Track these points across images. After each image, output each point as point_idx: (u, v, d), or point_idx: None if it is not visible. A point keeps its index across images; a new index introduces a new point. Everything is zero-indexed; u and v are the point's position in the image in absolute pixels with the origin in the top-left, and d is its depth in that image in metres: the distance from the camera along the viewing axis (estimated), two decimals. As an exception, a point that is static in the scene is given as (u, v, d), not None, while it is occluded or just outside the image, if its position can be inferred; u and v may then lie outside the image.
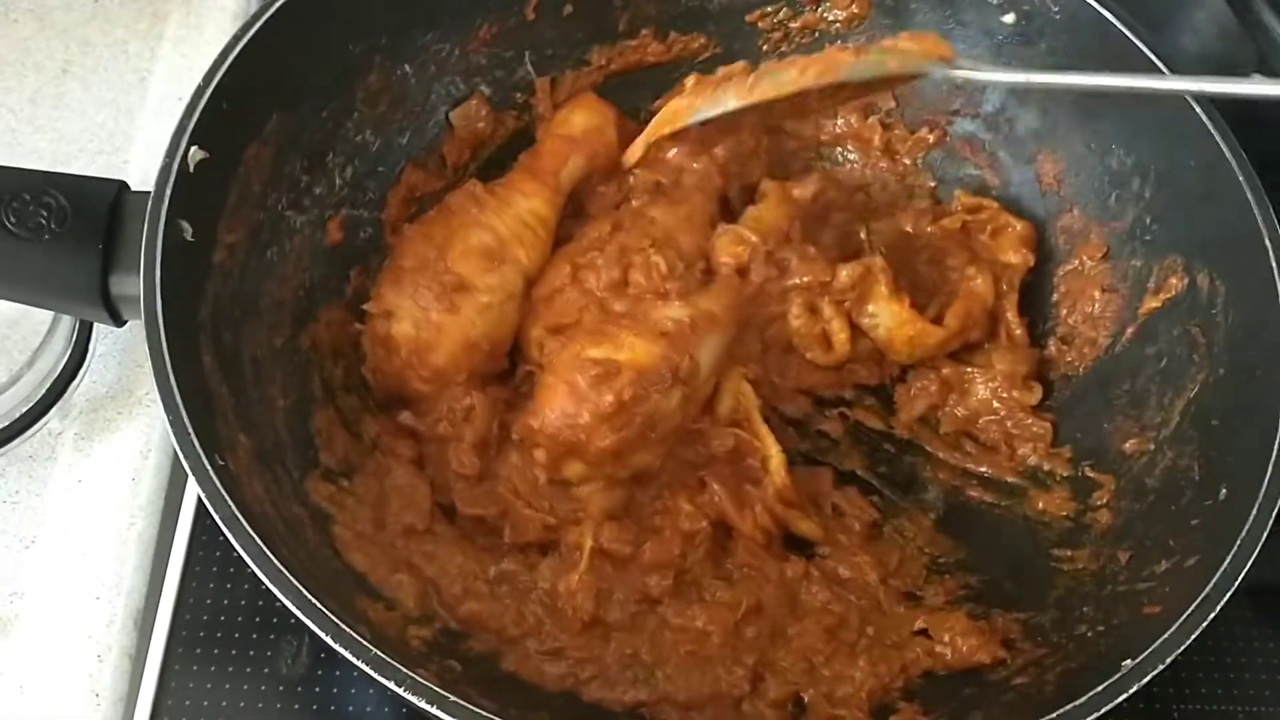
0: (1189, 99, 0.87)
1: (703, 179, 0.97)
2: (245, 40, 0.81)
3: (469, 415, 0.86)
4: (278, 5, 0.83)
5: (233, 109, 0.80)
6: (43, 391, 0.88)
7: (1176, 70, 0.88)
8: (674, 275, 0.88)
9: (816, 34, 1.02)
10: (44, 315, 0.88)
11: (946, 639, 0.81)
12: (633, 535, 0.84)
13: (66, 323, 0.89)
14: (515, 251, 0.90)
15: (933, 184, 1.03)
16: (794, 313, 0.92)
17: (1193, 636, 0.69)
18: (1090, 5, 0.91)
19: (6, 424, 0.87)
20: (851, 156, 1.05)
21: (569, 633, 0.80)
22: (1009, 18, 0.96)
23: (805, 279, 0.91)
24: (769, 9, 1.01)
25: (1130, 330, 0.91)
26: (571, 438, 0.81)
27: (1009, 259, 0.97)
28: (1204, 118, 0.86)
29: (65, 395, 0.89)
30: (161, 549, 0.89)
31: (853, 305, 0.92)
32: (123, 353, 0.95)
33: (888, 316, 0.92)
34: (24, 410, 0.88)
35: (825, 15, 1.01)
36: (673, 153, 0.96)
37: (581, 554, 0.82)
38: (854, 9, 1.00)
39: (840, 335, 0.92)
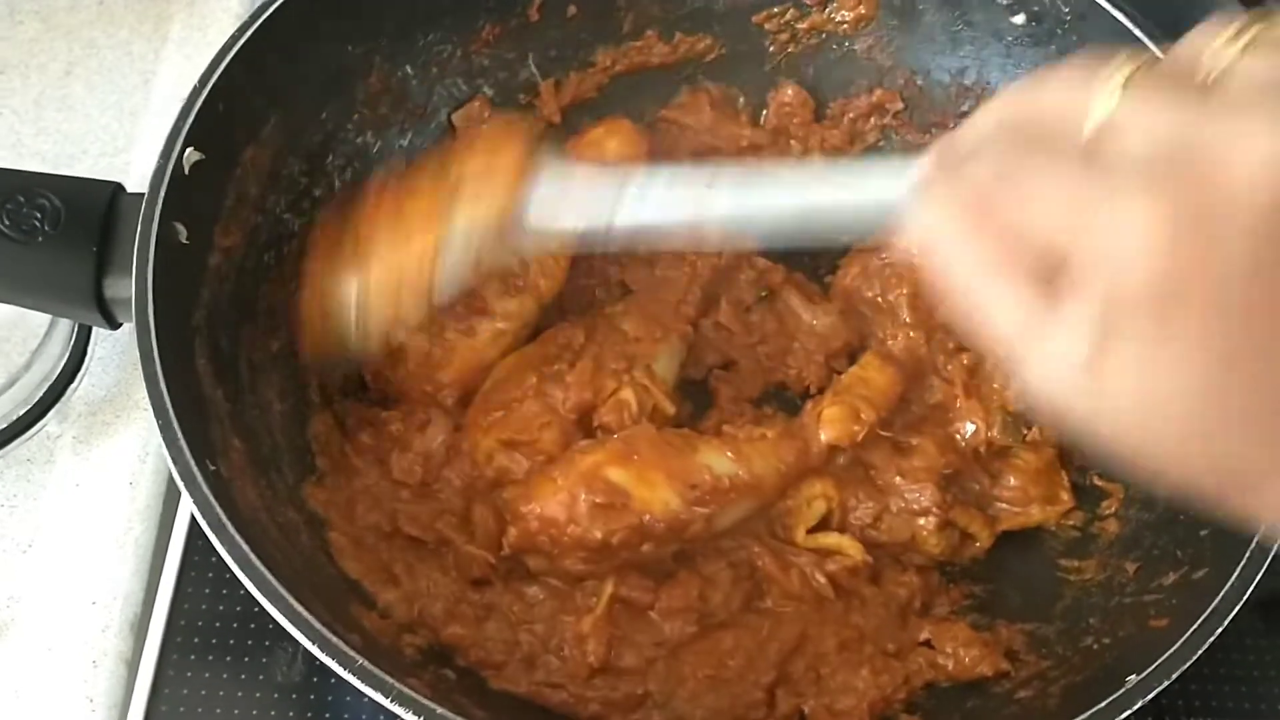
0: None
1: (684, 298, 0.92)
2: (243, 41, 0.81)
3: (424, 428, 0.85)
4: (276, 5, 0.83)
5: (230, 110, 0.79)
6: (40, 394, 0.88)
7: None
8: (644, 412, 0.84)
9: (824, 35, 1.00)
10: (42, 318, 0.88)
11: (949, 650, 0.80)
12: (654, 581, 0.81)
13: (64, 325, 0.88)
14: (536, 280, 0.88)
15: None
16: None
17: (1199, 651, 0.67)
18: (1101, 6, 0.89)
19: (3, 427, 0.87)
20: (857, 158, 1.03)
21: (574, 679, 0.77)
22: (1019, 18, 0.94)
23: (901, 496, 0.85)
24: (776, 10, 1.00)
25: (1139, 336, 0.90)
26: (545, 545, 0.78)
27: None
28: (1216, 120, 0.84)
29: (63, 398, 0.89)
30: (158, 554, 0.89)
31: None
32: (121, 356, 0.94)
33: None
34: (21, 413, 0.87)
35: (833, 16, 1.00)
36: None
37: (599, 599, 0.79)
38: (861, 10, 0.99)
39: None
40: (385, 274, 0.77)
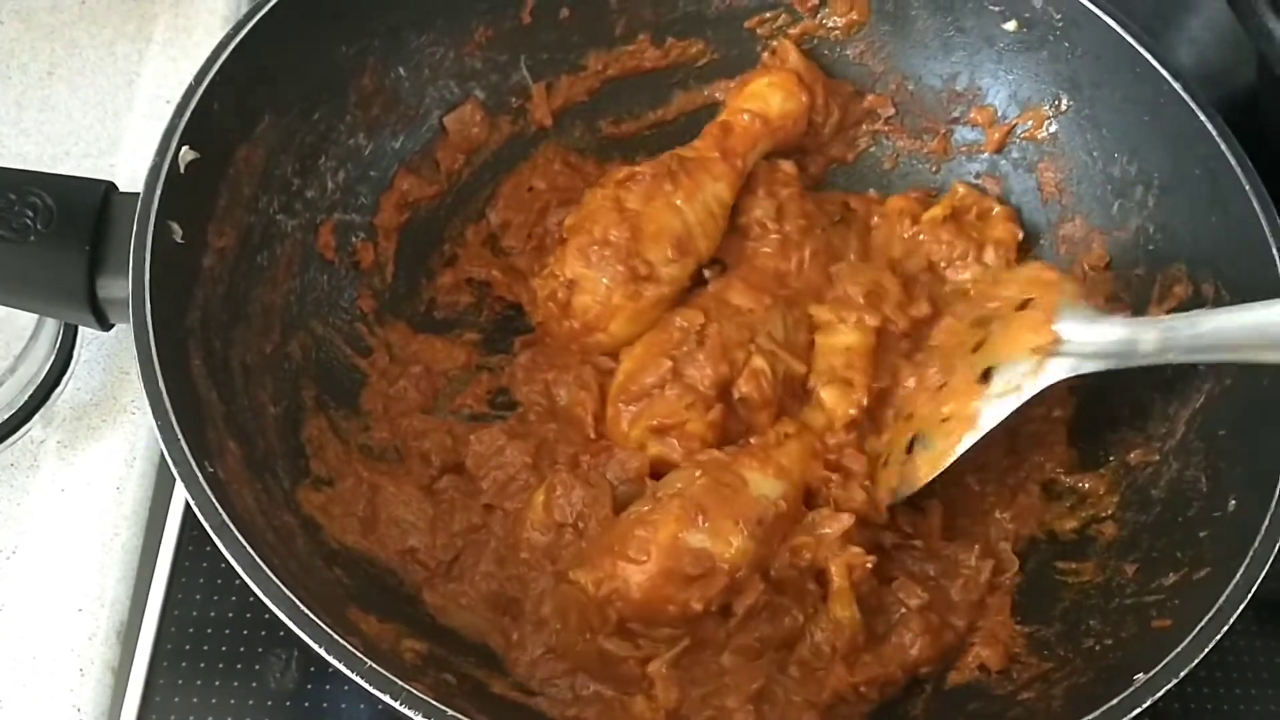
0: (1192, 105, 0.86)
1: (780, 264, 0.93)
2: (238, 39, 0.80)
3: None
4: (271, 4, 0.82)
5: (224, 109, 0.79)
6: (25, 398, 0.86)
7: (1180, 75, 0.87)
8: (778, 378, 0.86)
9: (816, 40, 1.01)
10: (27, 320, 0.86)
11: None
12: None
13: (51, 327, 0.87)
14: (698, 243, 0.91)
15: (934, 192, 1.01)
16: None
17: (1206, 650, 0.68)
18: (1092, 11, 0.90)
19: (-13, 431, 0.85)
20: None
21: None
22: (1010, 25, 0.95)
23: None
24: (768, 15, 1.00)
25: (1134, 340, 0.90)
26: (657, 612, 0.77)
27: (998, 235, 0.97)
28: (1208, 125, 0.85)
29: (49, 402, 0.87)
30: (146, 560, 0.87)
31: None
32: (108, 358, 0.93)
33: None
34: (6, 417, 0.86)
35: (824, 22, 1.00)
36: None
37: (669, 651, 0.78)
38: (853, 15, 0.99)
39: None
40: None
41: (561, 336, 0.90)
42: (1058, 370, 0.80)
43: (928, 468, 0.83)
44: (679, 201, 0.90)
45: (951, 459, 0.82)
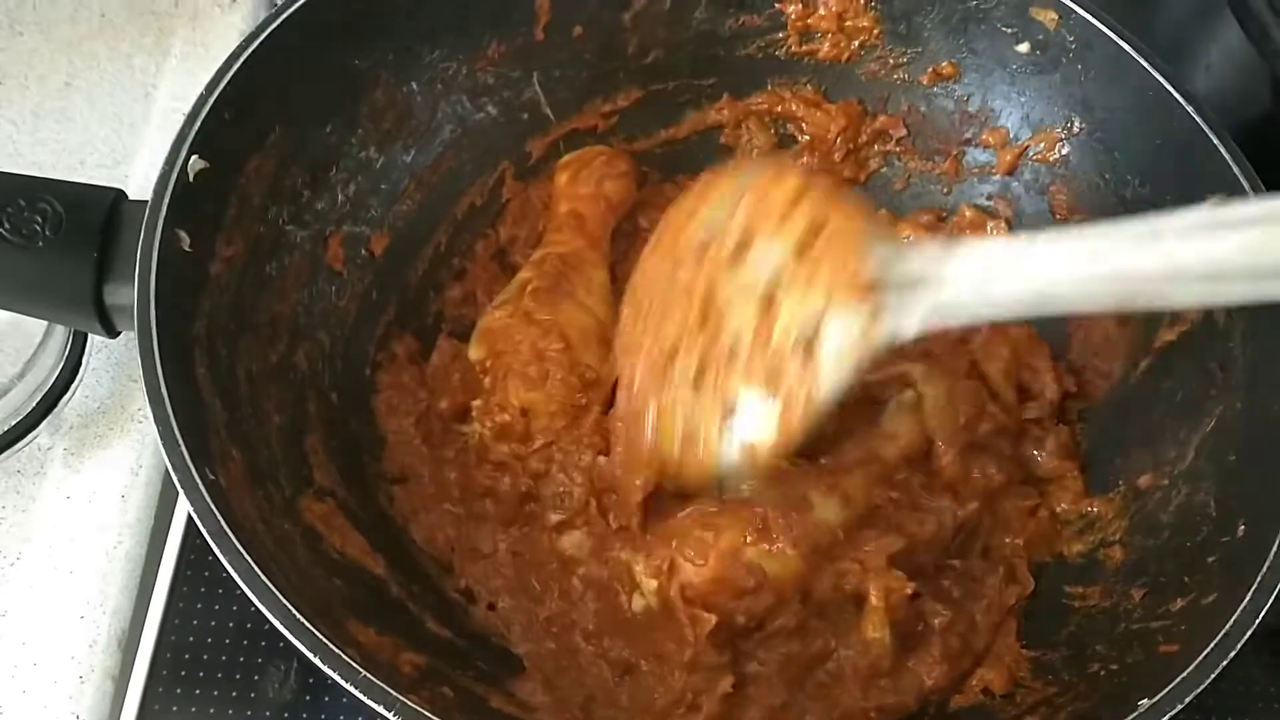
0: (1204, 128, 0.86)
1: None
2: (250, 50, 0.80)
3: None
4: (284, 17, 0.82)
5: (235, 119, 0.79)
6: (33, 405, 0.87)
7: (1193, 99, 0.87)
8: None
9: (827, 60, 1.01)
10: (36, 326, 0.87)
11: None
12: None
13: (59, 335, 0.87)
14: (609, 331, 0.87)
15: (944, 213, 1.01)
16: None
17: (1211, 676, 0.67)
18: (1106, 34, 0.90)
19: (-6, 438, 0.86)
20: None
21: None
22: (1023, 47, 0.94)
23: None
24: (779, 35, 1.00)
25: (1144, 363, 0.89)
26: (713, 603, 0.77)
27: None
28: (1221, 148, 0.85)
29: (56, 409, 0.88)
30: (148, 569, 0.87)
31: None
32: (116, 367, 0.93)
33: None
34: (13, 423, 0.86)
35: (838, 43, 1.00)
36: None
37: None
38: (866, 39, 0.99)
39: None
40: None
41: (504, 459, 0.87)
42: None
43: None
44: (588, 300, 0.89)
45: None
